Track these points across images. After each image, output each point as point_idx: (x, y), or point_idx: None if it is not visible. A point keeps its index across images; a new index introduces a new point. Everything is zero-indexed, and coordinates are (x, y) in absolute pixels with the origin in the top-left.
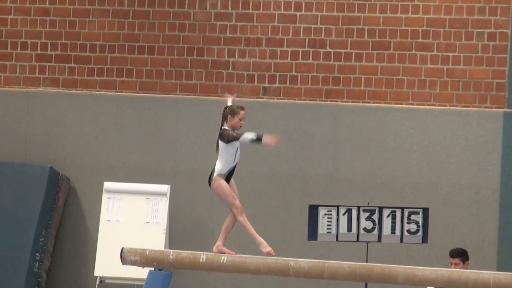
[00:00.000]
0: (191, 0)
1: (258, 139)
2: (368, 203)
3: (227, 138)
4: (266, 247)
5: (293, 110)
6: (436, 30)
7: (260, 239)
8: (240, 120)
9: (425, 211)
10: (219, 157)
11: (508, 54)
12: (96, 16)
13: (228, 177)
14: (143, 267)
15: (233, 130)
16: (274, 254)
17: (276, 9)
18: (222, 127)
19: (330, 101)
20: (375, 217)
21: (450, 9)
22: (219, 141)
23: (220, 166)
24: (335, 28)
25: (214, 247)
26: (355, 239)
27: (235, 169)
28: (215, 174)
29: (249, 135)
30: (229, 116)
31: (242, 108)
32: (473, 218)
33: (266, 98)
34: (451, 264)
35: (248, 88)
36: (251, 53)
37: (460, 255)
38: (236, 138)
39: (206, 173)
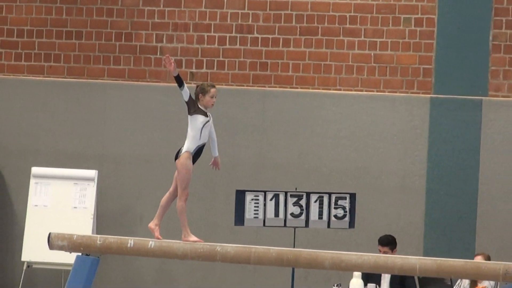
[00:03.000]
0: None
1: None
2: (296, 189)
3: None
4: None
5: (220, 95)
6: (363, 15)
7: (188, 233)
8: (212, 98)
9: (352, 196)
10: (187, 134)
11: (434, 40)
12: (24, 1)
13: (194, 157)
14: (70, 252)
15: (205, 108)
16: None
17: None
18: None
19: (257, 86)
20: (303, 202)
21: None
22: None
23: (187, 143)
24: (262, 14)
25: (151, 223)
26: (283, 224)
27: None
28: (183, 151)
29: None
30: (200, 94)
31: (213, 86)
32: (399, 204)
33: (194, 84)
34: (380, 251)
35: None
36: (179, 38)
37: (390, 244)
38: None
39: (134, 158)
